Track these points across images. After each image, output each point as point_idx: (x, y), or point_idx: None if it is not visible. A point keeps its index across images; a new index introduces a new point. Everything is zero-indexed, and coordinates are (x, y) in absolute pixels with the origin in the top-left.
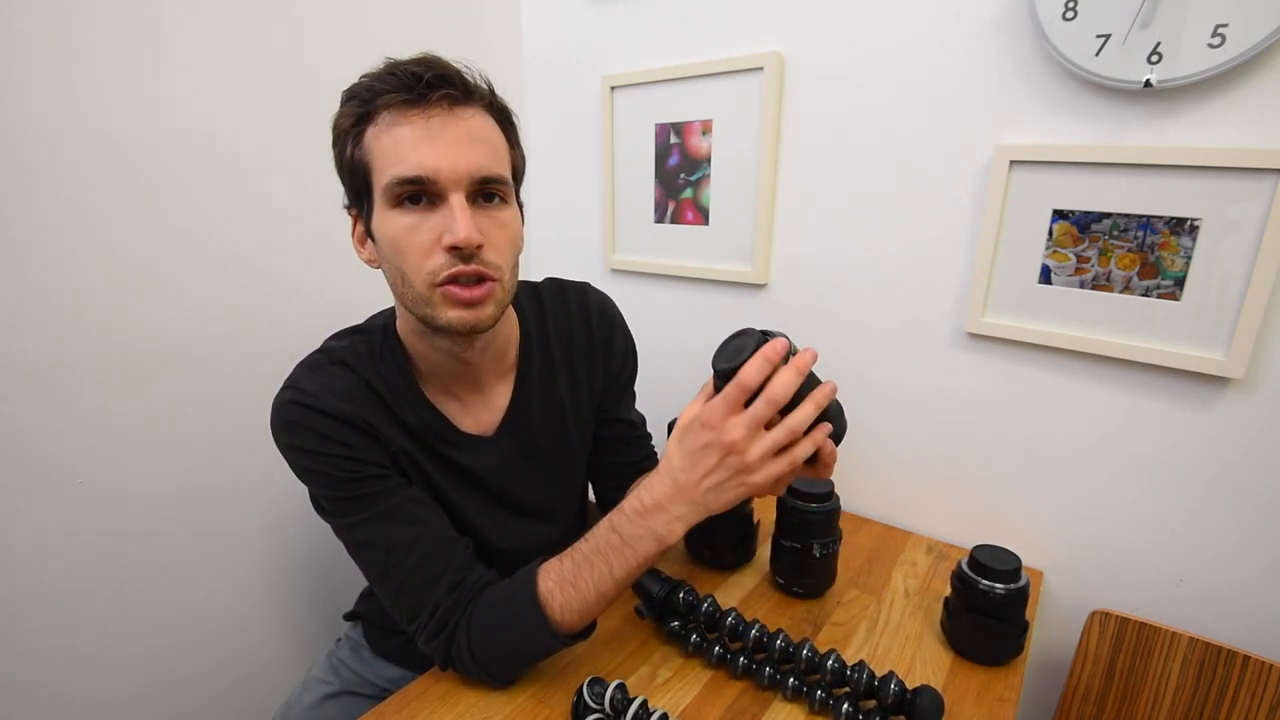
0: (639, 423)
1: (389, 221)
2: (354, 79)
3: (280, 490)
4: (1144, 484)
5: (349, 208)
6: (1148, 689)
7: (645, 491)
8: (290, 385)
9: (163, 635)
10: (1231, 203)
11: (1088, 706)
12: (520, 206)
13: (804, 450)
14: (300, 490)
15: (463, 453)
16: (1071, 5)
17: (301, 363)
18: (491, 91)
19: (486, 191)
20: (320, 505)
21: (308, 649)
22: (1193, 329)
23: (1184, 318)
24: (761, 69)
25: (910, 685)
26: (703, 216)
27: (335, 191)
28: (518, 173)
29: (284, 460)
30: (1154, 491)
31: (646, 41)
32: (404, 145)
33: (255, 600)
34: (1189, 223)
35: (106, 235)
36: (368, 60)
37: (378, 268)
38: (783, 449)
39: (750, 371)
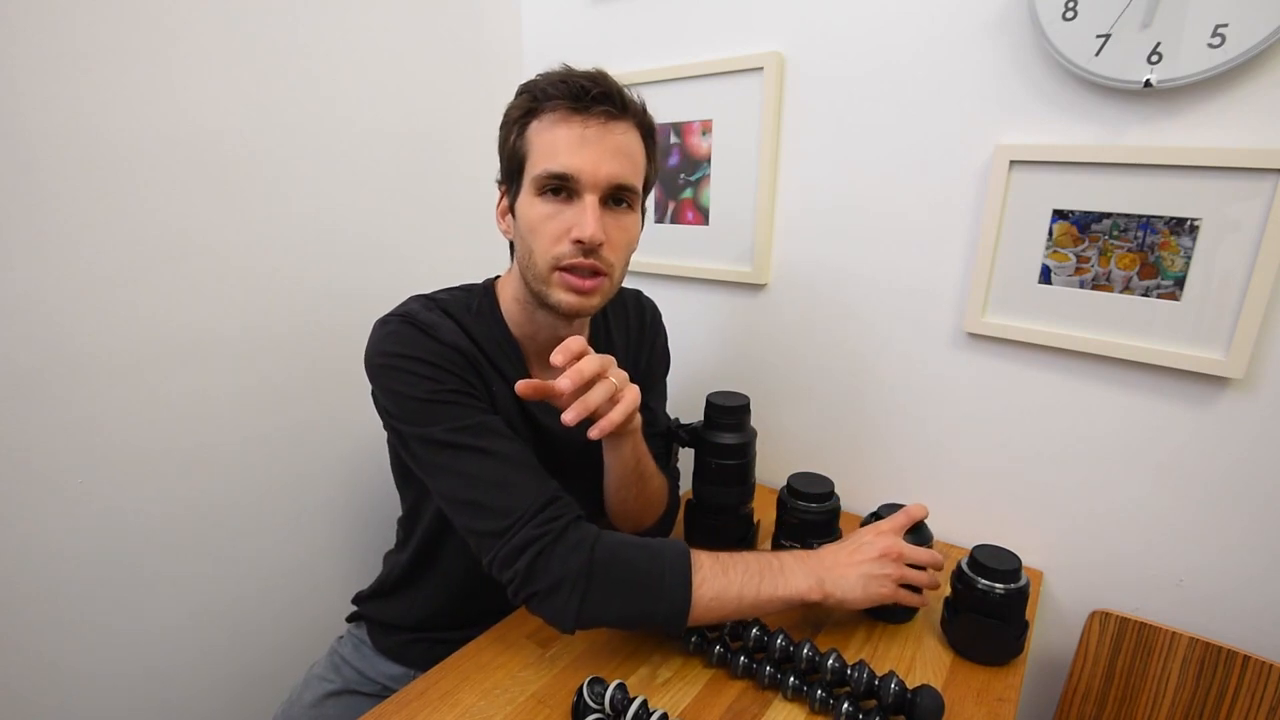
0: (660, 418)
1: (531, 206)
2: (354, 78)
3: (280, 488)
4: (1144, 484)
5: (501, 184)
6: (1148, 689)
7: (822, 551)
8: (400, 313)
9: (162, 633)
10: (1231, 203)
11: (1088, 706)
12: (643, 213)
13: (924, 577)
14: (300, 489)
15: (545, 413)
16: (1071, 5)
17: (406, 302)
18: (644, 110)
19: (617, 196)
20: (403, 417)
21: (309, 646)
22: (1193, 329)
23: (1184, 318)
24: (761, 69)
25: (910, 685)
26: (703, 216)
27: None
28: (649, 183)
29: (285, 460)
30: (1154, 491)
31: (646, 41)
32: (559, 144)
33: (256, 598)
34: (1189, 223)
35: (108, 235)
36: (369, 59)
37: (510, 239)
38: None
39: (916, 510)
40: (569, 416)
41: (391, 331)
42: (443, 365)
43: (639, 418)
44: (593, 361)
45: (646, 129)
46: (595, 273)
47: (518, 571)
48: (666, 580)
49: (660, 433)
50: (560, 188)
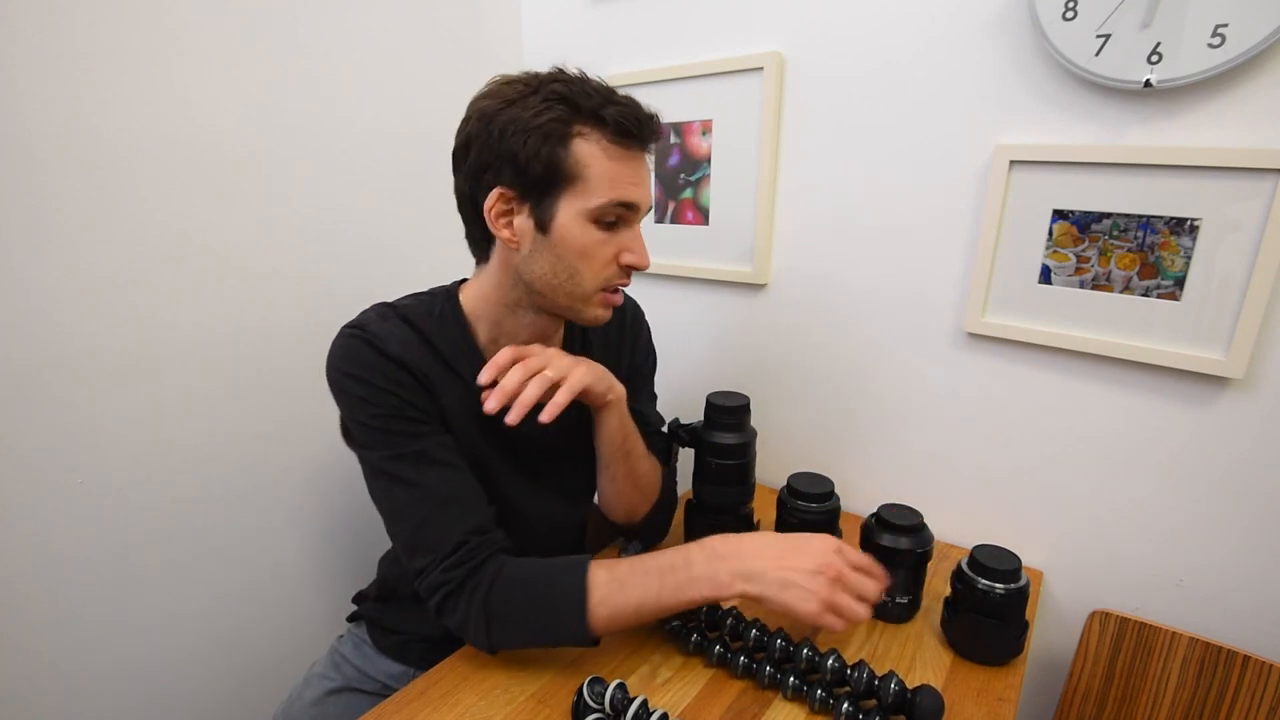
0: (653, 419)
1: (584, 231)
2: (354, 78)
3: (280, 489)
4: (1144, 484)
5: (503, 186)
6: (1148, 689)
7: (733, 539)
8: (356, 325)
9: (163, 633)
10: (1231, 203)
11: (1088, 706)
12: None
13: (855, 610)
14: (301, 488)
15: (503, 412)
16: (1071, 5)
17: (366, 311)
18: None
19: None
20: (352, 435)
21: (310, 644)
22: (1193, 329)
23: (1184, 318)
24: (761, 69)
25: (910, 685)
26: (703, 216)
27: (338, 192)
28: None
29: (284, 461)
30: (1154, 491)
31: (646, 41)
32: (623, 178)
33: (256, 596)
34: (1189, 223)
35: (108, 235)
36: (369, 59)
37: (515, 248)
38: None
39: (878, 569)
40: (490, 405)
41: (341, 345)
42: (384, 386)
43: (619, 389)
44: (507, 353)
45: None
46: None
47: (432, 607)
48: (560, 612)
49: (653, 433)
50: (617, 218)
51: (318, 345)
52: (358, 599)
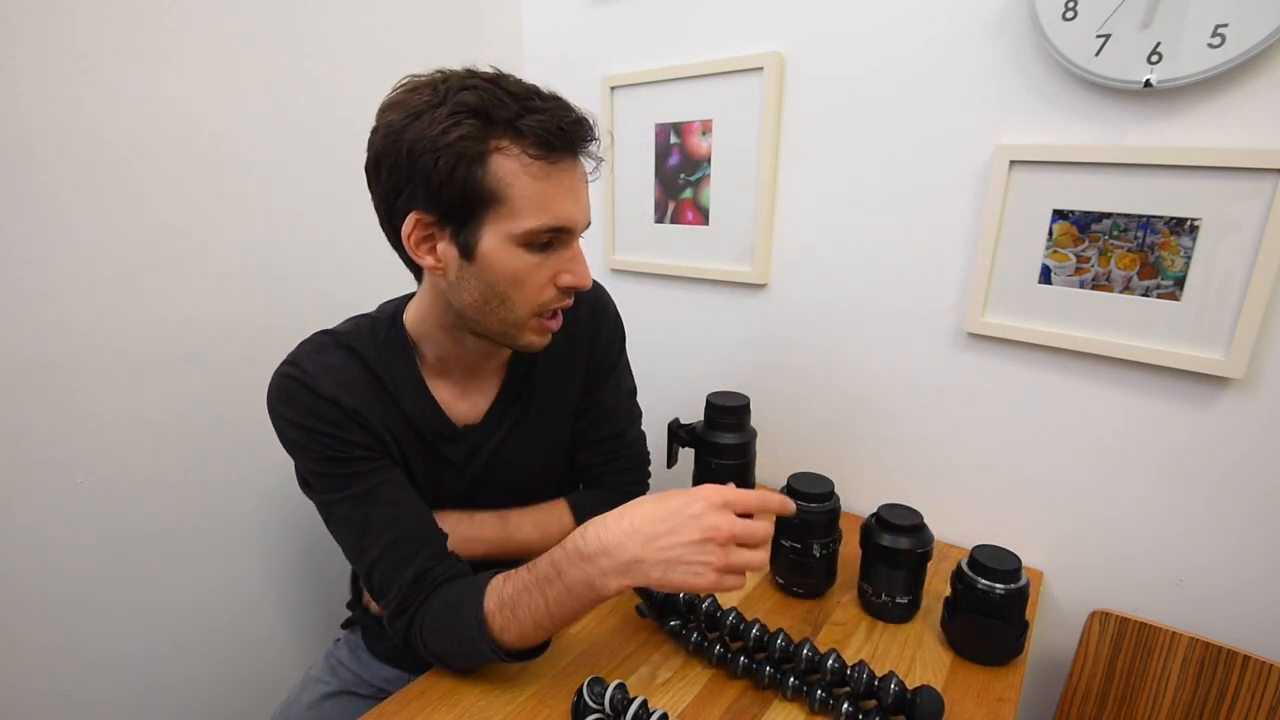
0: (626, 391)
1: (514, 257)
2: (354, 78)
3: (278, 490)
4: (1144, 484)
5: (419, 211)
6: (1148, 689)
7: (593, 533)
8: (290, 361)
9: (161, 634)
10: (1231, 203)
11: (1088, 706)
12: None
13: (753, 558)
14: (298, 492)
15: (450, 446)
16: (1071, 5)
17: (306, 341)
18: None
19: None
20: (304, 480)
21: (306, 648)
22: (1193, 329)
23: (1184, 318)
24: (761, 69)
25: (910, 685)
26: (703, 216)
27: (337, 192)
28: None
29: (283, 461)
30: (1154, 491)
31: (646, 41)
32: (552, 196)
33: (254, 600)
34: (1189, 223)
35: (107, 235)
36: (369, 59)
37: (441, 275)
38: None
39: (774, 500)
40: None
41: (276, 386)
42: (321, 430)
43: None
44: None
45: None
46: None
47: (396, 636)
48: (477, 650)
49: (611, 435)
50: (553, 239)
51: None
52: (353, 604)
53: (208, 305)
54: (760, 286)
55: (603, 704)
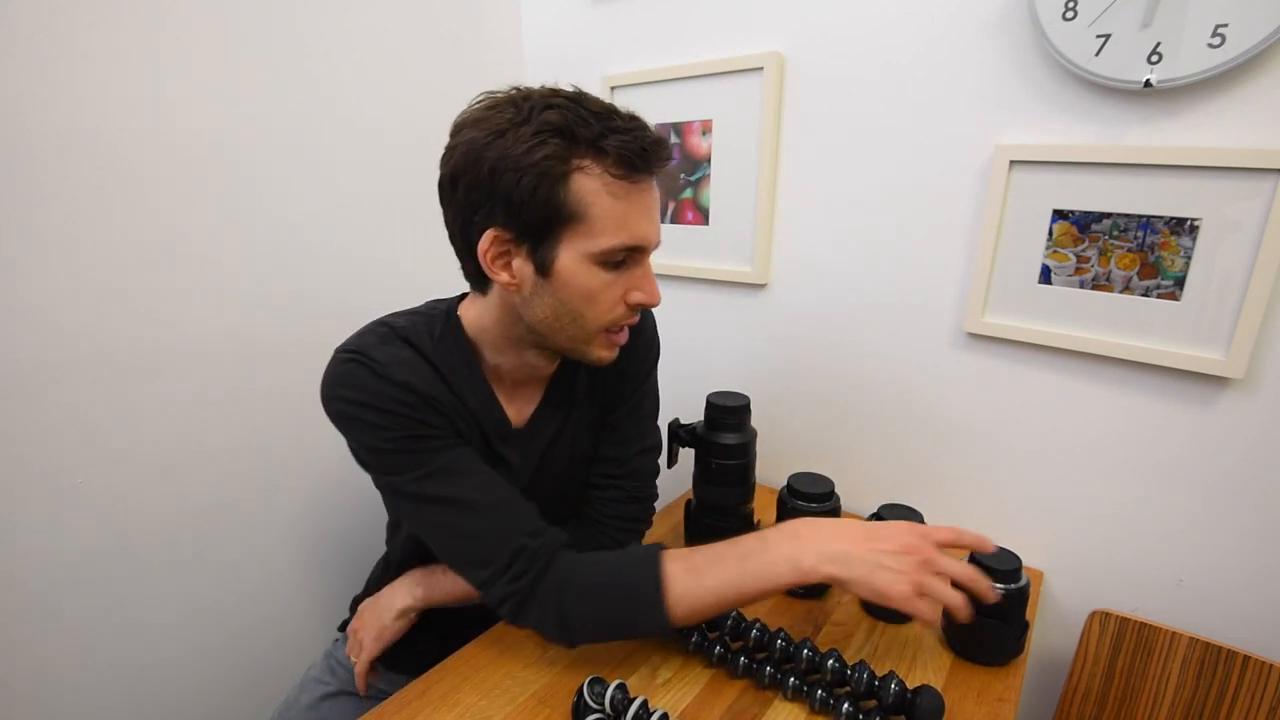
0: (646, 414)
1: (590, 274)
2: (354, 78)
3: (278, 490)
4: (1144, 484)
5: (497, 228)
6: (1148, 689)
7: (813, 522)
8: (354, 350)
9: (160, 635)
10: (1231, 203)
11: (1088, 706)
12: None
13: (954, 598)
14: (296, 492)
15: (505, 446)
16: (1071, 5)
17: (363, 332)
18: None
19: None
20: (374, 465)
21: (306, 648)
22: (1193, 329)
23: (1184, 318)
24: (761, 69)
25: (910, 685)
26: (703, 216)
27: (337, 192)
28: None
29: (283, 461)
30: (1154, 491)
31: (646, 41)
32: (630, 216)
33: (253, 599)
34: (1189, 223)
35: (107, 236)
36: (369, 59)
37: (514, 290)
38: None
39: (970, 537)
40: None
41: (342, 372)
42: (395, 410)
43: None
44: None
45: None
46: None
47: (504, 617)
48: (640, 612)
49: (613, 458)
50: (627, 258)
51: (318, 350)
52: (353, 605)
53: (208, 308)
54: (760, 286)
55: (603, 704)
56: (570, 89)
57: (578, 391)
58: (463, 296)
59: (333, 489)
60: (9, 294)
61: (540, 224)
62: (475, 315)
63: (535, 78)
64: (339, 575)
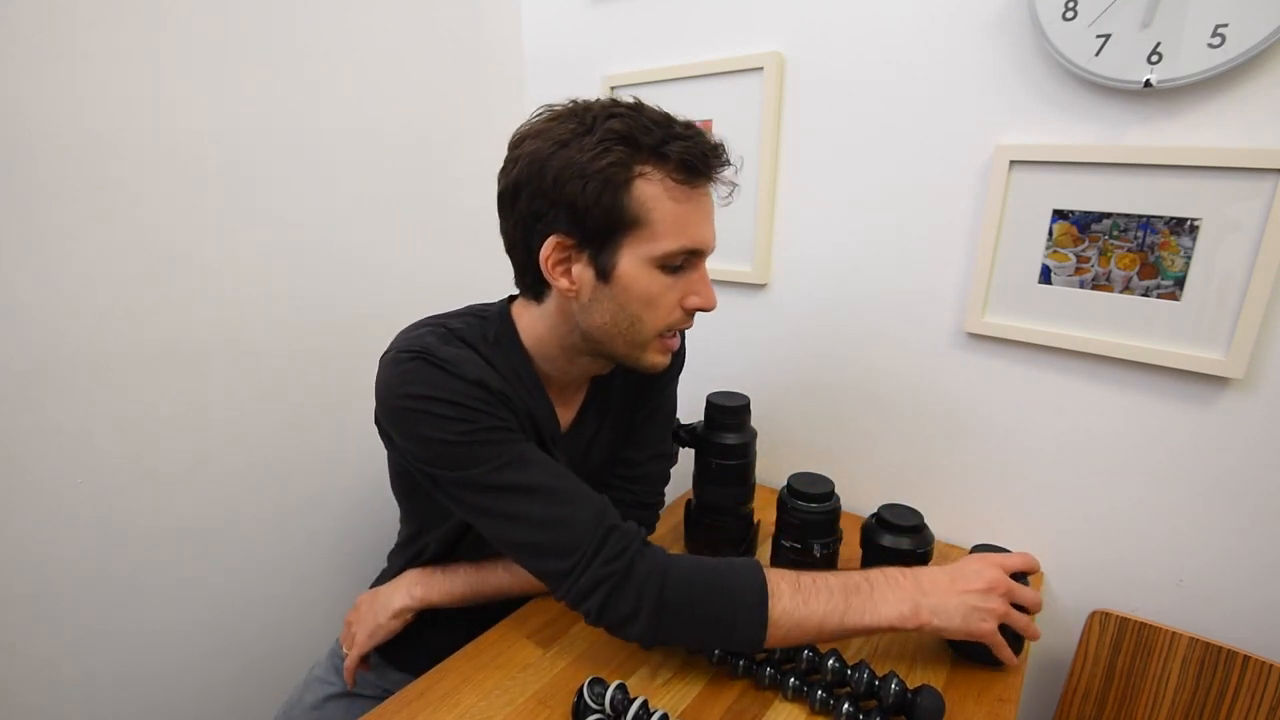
0: (662, 419)
1: (649, 278)
2: (354, 78)
3: (279, 489)
4: (1144, 484)
5: (560, 235)
6: (1148, 689)
7: (918, 572)
8: (419, 350)
9: (163, 635)
10: (1231, 203)
11: (1088, 706)
12: None
13: (1025, 620)
14: (300, 492)
15: (556, 448)
16: (1071, 5)
17: (418, 331)
18: None
19: None
20: (445, 461)
21: (310, 648)
22: (1193, 329)
23: (1184, 318)
24: (761, 69)
25: (910, 685)
26: None
27: (337, 193)
28: None
29: (282, 461)
30: (1154, 491)
31: (646, 41)
32: (690, 220)
33: (257, 599)
34: (1189, 223)
35: (107, 237)
36: (369, 59)
37: (574, 296)
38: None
39: (1033, 560)
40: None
41: (409, 370)
42: (473, 405)
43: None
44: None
45: None
46: None
47: (590, 609)
48: (740, 618)
49: (624, 460)
50: (686, 261)
51: (318, 350)
52: None
53: (207, 311)
54: (760, 286)
55: (603, 704)
56: (630, 99)
57: (613, 396)
58: (510, 299)
59: (337, 487)
60: (9, 294)
61: (603, 229)
62: (529, 322)
63: (535, 78)
64: (344, 572)
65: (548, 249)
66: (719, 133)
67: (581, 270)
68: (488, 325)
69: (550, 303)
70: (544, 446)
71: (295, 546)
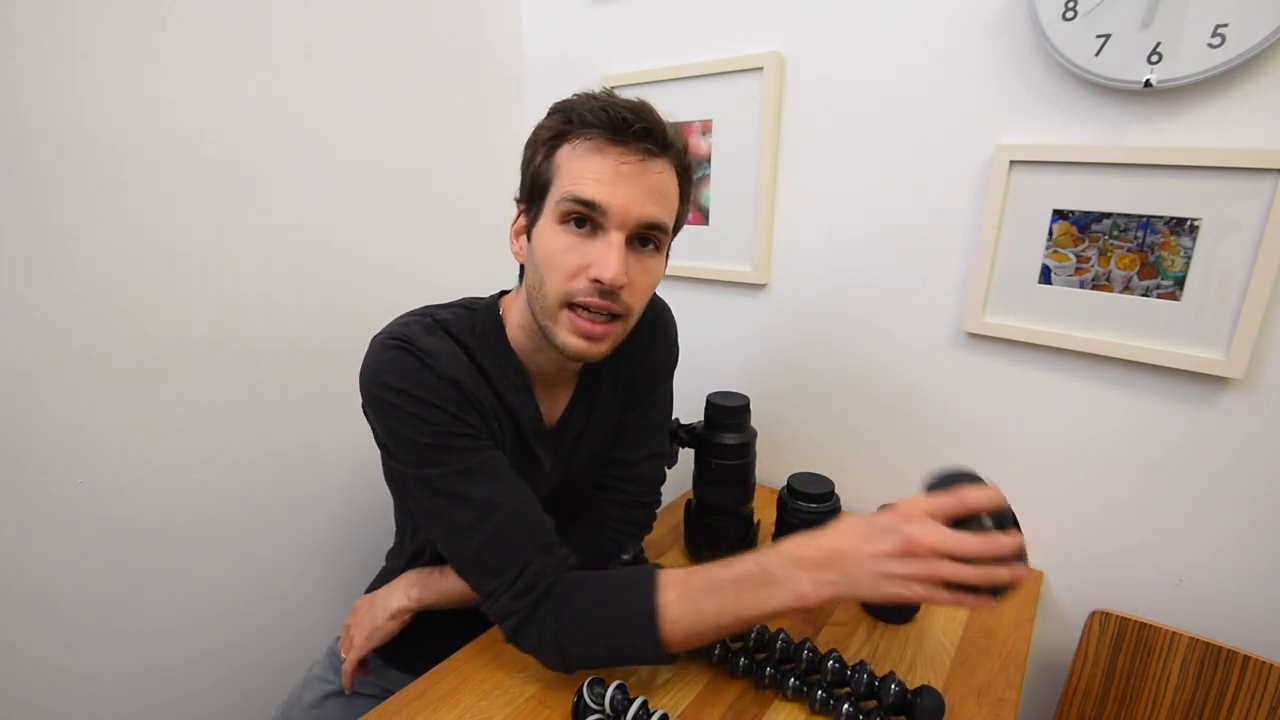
0: (656, 420)
1: (551, 234)
2: (353, 78)
3: (279, 488)
4: (1144, 484)
5: (520, 203)
6: (1148, 689)
7: (807, 543)
8: (401, 338)
9: (162, 634)
10: (1231, 203)
11: (1088, 706)
12: (667, 254)
13: (969, 572)
14: (299, 490)
15: (540, 444)
16: (1071, 5)
17: (410, 322)
18: (684, 150)
19: (644, 236)
20: (405, 457)
21: (309, 646)
22: (1193, 329)
23: (1184, 318)
24: (761, 69)
25: (910, 685)
26: (703, 216)
27: (337, 193)
28: (679, 224)
29: (281, 461)
30: (1154, 491)
31: (646, 41)
32: (591, 173)
33: (256, 598)
34: (1189, 223)
35: (107, 237)
36: (369, 59)
37: (521, 262)
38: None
39: (974, 494)
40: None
41: (388, 359)
42: (438, 404)
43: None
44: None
45: (683, 169)
46: (611, 316)
47: (505, 633)
48: (640, 642)
49: (620, 461)
50: (585, 219)
51: (318, 350)
52: None
53: (206, 311)
54: (760, 286)
55: (603, 704)
56: (602, 90)
57: (601, 392)
58: (502, 294)
59: (337, 486)
60: (9, 294)
61: (535, 191)
62: (512, 312)
63: (535, 78)
64: (343, 571)
65: (513, 219)
66: (719, 133)
67: (524, 236)
68: (476, 317)
69: (522, 282)
70: (524, 441)
71: (295, 546)
